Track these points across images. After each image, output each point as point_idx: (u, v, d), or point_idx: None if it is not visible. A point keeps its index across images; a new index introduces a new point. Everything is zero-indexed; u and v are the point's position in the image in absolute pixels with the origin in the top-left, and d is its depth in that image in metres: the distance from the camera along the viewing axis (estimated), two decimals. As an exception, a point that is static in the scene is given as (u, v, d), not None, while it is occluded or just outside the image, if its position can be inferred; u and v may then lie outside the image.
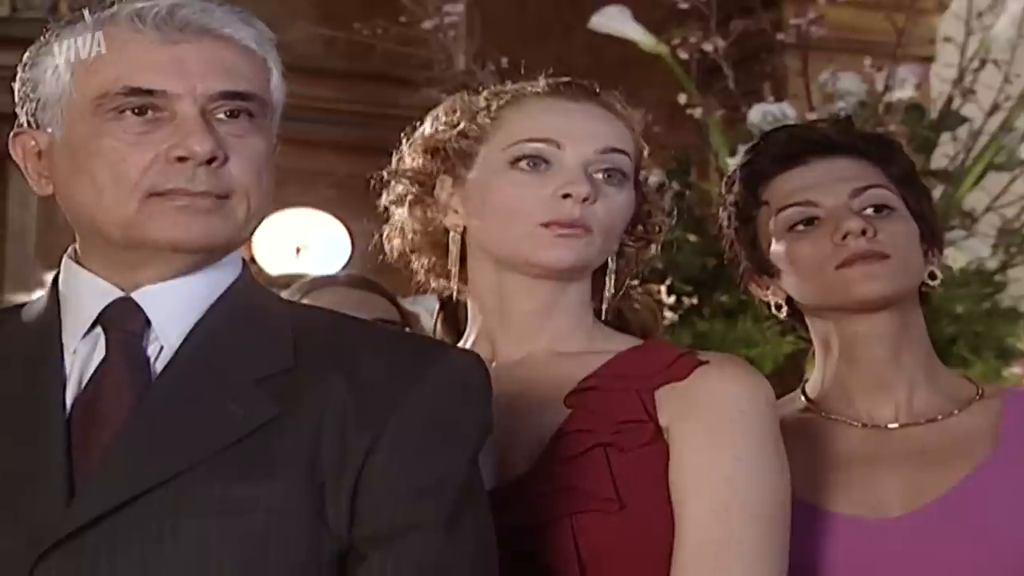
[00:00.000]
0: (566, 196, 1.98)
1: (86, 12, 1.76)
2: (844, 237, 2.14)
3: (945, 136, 4.59)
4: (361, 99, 5.99)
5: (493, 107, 2.05)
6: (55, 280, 1.80)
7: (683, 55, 4.65)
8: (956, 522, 2.09)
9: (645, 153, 2.10)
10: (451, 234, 2.05)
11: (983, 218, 4.57)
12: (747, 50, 4.93)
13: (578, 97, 2.05)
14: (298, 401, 1.69)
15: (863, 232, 2.14)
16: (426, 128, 2.10)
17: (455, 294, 2.09)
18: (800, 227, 2.18)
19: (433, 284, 2.12)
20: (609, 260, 2.06)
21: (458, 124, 2.06)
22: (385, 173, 2.11)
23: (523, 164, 2.01)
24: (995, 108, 4.57)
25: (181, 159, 1.71)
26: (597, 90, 2.07)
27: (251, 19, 1.79)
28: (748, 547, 1.89)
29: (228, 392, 1.69)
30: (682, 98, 4.59)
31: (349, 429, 1.68)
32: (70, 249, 1.82)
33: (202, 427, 1.67)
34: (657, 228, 2.11)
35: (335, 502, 1.67)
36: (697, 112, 4.58)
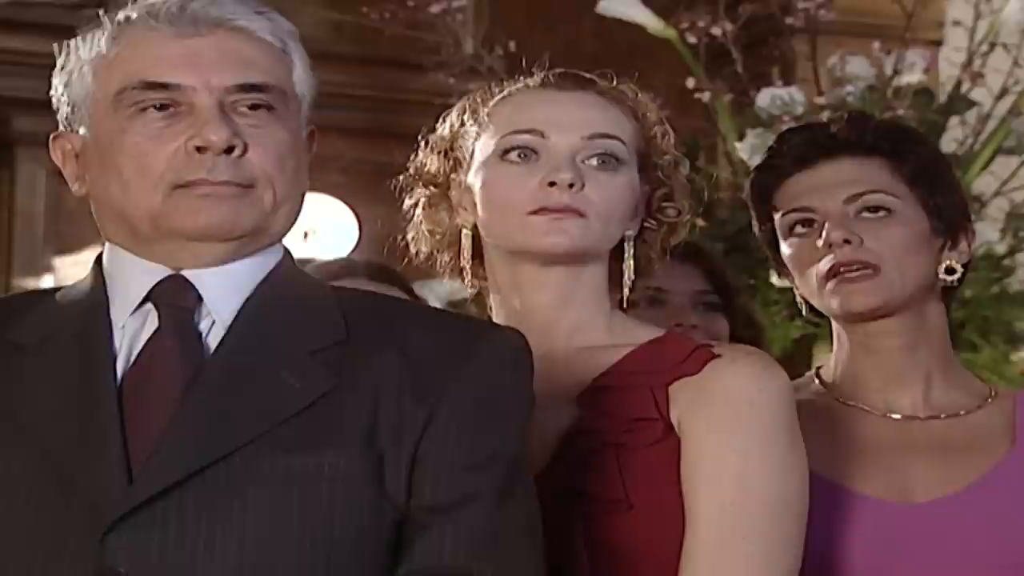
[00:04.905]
0: (551, 184, 1.99)
1: (101, 12, 1.81)
2: (830, 246, 2.15)
3: (954, 120, 4.59)
4: (369, 84, 5.98)
5: (489, 104, 2.06)
6: (98, 260, 1.83)
7: (691, 39, 4.64)
8: (977, 514, 2.11)
9: (664, 138, 2.09)
10: (463, 231, 2.06)
11: (992, 202, 4.56)
12: (755, 34, 4.92)
13: (567, 86, 2.06)
14: (353, 373, 1.73)
15: (848, 241, 2.14)
16: (440, 130, 2.11)
17: (471, 289, 2.10)
18: (799, 229, 2.20)
19: (458, 283, 2.13)
20: (625, 245, 2.06)
21: (464, 124, 2.07)
22: (402, 178, 2.12)
23: (512, 156, 2.02)
24: (1004, 92, 4.57)
25: (200, 149, 1.74)
26: (592, 78, 2.06)
27: (268, 12, 1.81)
28: (755, 543, 1.90)
29: (285, 365, 1.73)
30: (690, 82, 4.59)
31: (406, 402, 1.72)
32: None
33: (262, 400, 1.71)
34: (678, 211, 2.10)
35: (394, 472, 1.71)
36: (705, 96, 4.58)
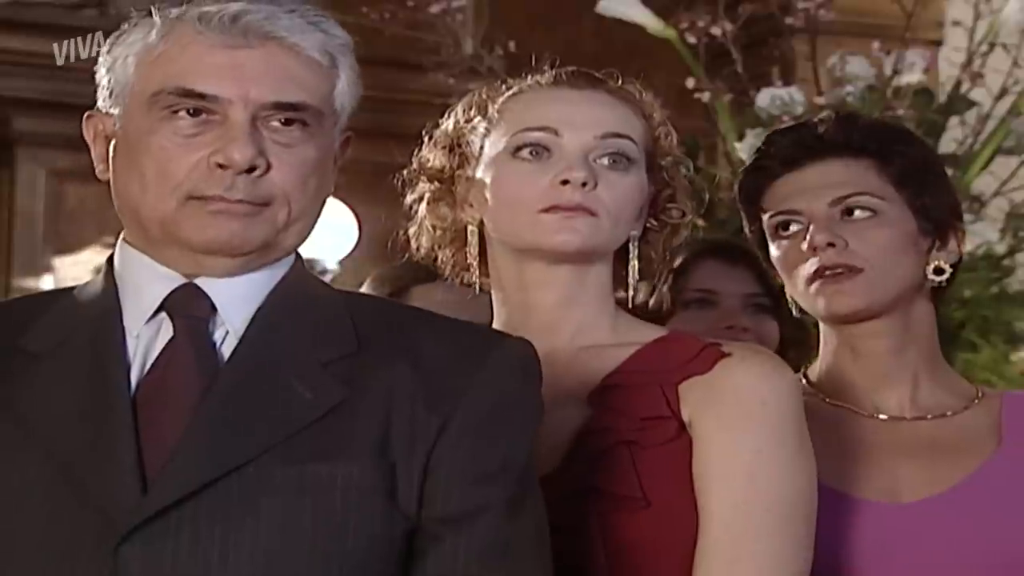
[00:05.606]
0: (565, 182, 1.98)
1: (154, 9, 1.80)
2: (815, 249, 2.15)
3: (953, 120, 4.59)
4: (369, 84, 5.96)
5: (499, 100, 2.06)
6: (109, 261, 1.83)
7: (691, 39, 4.64)
8: (963, 514, 2.12)
9: (668, 138, 2.09)
10: (469, 227, 2.06)
11: (991, 202, 4.57)
12: (755, 34, 4.93)
13: (580, 85, 2.05)
14: (365, 384, 1.73)
15: (832, 244, 2.14)
16: (446, 125, 2.11)
17: (479, 287, 2.10)
18: (786, 232, 2.20)
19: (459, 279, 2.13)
20: (630, 246, 2.06)
21: (471, 119, 2.07)
22: (406, 173, 2.12)
23: (524, 153, 2.02)
24: (1004, 92, 4.57)
25: (222, 166, 1.73)
26: (603, 77, 2.06)
27: (323, 22, 1.79)
28: (768, 541, 1.90)
29: (298, 376, 1.73)
30: (690, 82, 4.59)
31: (418, 412, 1.72)
32: (123, 234, 1.83)
33: (276, 410, 1.71)
34: (681, 212, 2.10)
35: (406, 483, 1.71)
36: (705, 96, 4.58)
